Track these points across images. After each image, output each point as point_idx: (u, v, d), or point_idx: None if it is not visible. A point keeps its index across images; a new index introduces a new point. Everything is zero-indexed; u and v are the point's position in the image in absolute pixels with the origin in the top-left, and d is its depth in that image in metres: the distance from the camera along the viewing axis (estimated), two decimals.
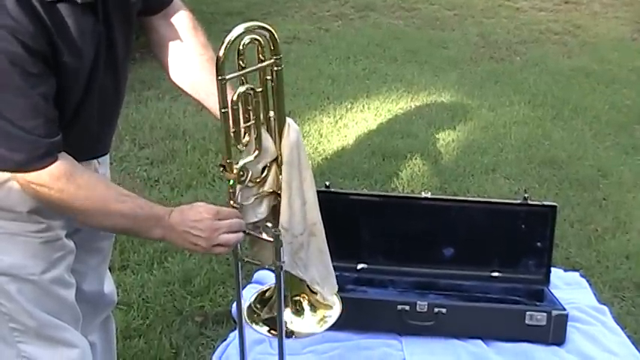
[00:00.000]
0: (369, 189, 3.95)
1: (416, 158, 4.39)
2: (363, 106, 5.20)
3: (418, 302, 2.83)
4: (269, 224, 1.77)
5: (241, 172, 1.74)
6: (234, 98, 1.69)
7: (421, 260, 3.12)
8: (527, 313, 2.82)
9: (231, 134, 1.70)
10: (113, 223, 1.68)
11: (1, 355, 1.81)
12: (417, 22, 7.50)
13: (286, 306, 1.87)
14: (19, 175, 1.59)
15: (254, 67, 1.73)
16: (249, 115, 1.74)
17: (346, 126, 4.87)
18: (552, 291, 3.05)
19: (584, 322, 2.97)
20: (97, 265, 2.05)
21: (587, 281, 3.27)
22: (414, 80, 5.75)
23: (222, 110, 1.67)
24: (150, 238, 1.76)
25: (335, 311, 1.93)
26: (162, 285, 3.14)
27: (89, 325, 2.02)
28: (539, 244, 3.10)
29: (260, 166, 1.78)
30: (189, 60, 1.88)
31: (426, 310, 2.82)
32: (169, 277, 3.19)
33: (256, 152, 1.76)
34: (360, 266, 3.13)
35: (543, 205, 3.11)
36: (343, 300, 2.84)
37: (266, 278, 3.14)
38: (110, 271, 3.16)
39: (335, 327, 2.78)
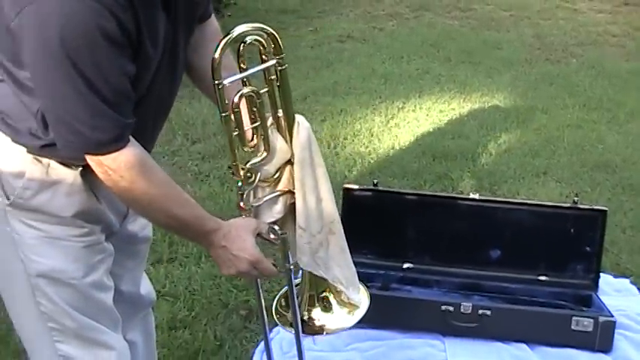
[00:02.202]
0: (417, 189, 3.94)
1: (466, 159, 4.37)
2: (415, 106, 5.18)
3: (462, 303, 2.81)
4: (276, 227, 1.78)
5: (249, 174, 1.76)
6: (236, 100, 1.68)
7: (467, 261, 3.10)
8: (574, 318, 2.78)
9: (235, 137, 1.72)
10: (166, 223, 1.72)
11: (39, 353, 1.83)
12: (472, 23, 7.45)
13: (314, 305, 1.88)
14: (93, 158, 1.57)
15: (256, 69, 1.71)
16: (255, 117, 1.74)
17: (397, 125, 4.86)
18: (601, 297, 2.99)
19: (633, 329, 2.92)
20: (134, 268, 2.06)
21: (638, 288, 3.21)
22: (467, 81, 5.71)
23: (223, 114, 1.68)
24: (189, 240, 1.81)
25: (363, 303, 1.92)
26: (209, 278, 3.18)
27: (128, 324, 2.03)
28: (588, 248, 3.06)
29: (272, 167, 1.78)
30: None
31: (470, 311, 2.81)
32: (216, 271, 3.22)
33: (264, 153, 1.76)
34: (405, 265, 3.13)
35: (593, 209, 3.06)
36: (387, 299, 2.89)
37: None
38: (159, 263, 3.28)
39: (378, 325, 2.85)
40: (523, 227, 3.10)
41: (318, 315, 1.89)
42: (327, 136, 4.65)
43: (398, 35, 7.01)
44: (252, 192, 1.79)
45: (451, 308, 2.81)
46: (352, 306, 1.90)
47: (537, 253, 3.09)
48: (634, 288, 3.21)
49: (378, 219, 3.16)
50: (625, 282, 3.26)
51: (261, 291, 1.97)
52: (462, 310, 2.81)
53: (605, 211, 3.04)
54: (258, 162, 1.76)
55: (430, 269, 3.11)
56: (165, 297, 3.05)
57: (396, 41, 6.78)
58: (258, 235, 1.75)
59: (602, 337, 2.77)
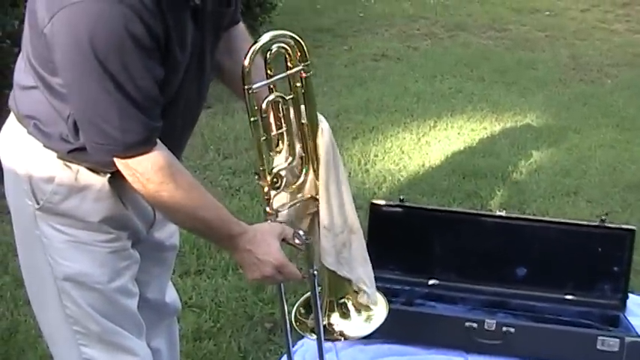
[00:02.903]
0: (447, 206, 3.94)
1: (496, 178, 4.36)
2: (447, 124, 5.18)
3: (486, 320, 2.81)
4: (301, 231, 1.79)
5: (275, 179, 1.78)
6: (264, 106, 1.72)
7: (493, 279, 3.10)
8: (599, 338, 2.77)
9: (263, 142, 1.75)
10: (192, 226, 1.74)
11: (63, 355, 1.86)
12: (506, 43, 7.43)
13: (333, 310, 1.90)
14: (122, 161, 1.60)
15: (281, 75, 1.75)
16: (281, 123, 1.78)
17: (428, 144, 4.87)
18: (629, 318, 2.97)
19: None
20: (160, 275, 2.08)
21: None
22: (500, 100, 5.70)
23: (252, 119, 1.72)
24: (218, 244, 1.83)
25: (381, 310, 1.94)
26: (235, 291, 3.21)
27: (152, 331, 2.04)
28: (616, 268, 3.04)
29: (296, 172, 1.82)
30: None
31: (494, 328, 2.80)
32: (242, 284, 3.25)
33: (290, 159, 1.80)
34: (431, 282, 3.14)
35: (621, 229, 3.04)
36: (411, 314, 2.90)
37: None
38: (186, 275, 3.32)
39: (402, 340, 2.86)
40: (550, 245, 3.09)
41: (337, 321, 1.91)
42: (357, 153, 4.67)
43: (432, 54, 7.02)
44: (277, 197, 1.81)
45: (475, 325, 2.81)
46: (369, 311, 1.93)
47: (564, 271, 3.08)
48: None
49: (404, 235, 3.18)
50: None
51: (285, 305, 1.98)
52: (485, 327, 2.80)
53: (634, 230, 3.02)
54: (284, 167, 1.80)
55: (456, 286, 3.12)
56: (191, 308, 3.08)
57: (430, 60, 6.79)
58: (283, 240, 1.76)
59: (629, 357, 2.75)
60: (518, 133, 5.03)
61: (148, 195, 1.64)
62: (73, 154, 1.67)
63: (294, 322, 1.95)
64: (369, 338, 2.80)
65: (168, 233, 2.01)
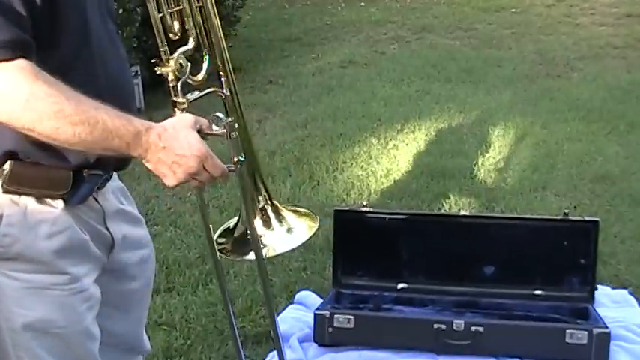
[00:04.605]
0: (415, 209, 3.94)
1: (464, 177, 4.37)
2: (414, 127, 5.20)
3: (454, 321, 2.81)
4: (219, 114, 1.62)
5: (179, 63, 1.62)
6: None
7: (462, 279, 3.09)
8: (567, 331, 2.77)
9: (159, 19, 1.61)
10: (82, 134, 1.45)
11: None
12: (473, 42, 7.48)
13: (255, 215, 1.80)
14: None
15: None
16: (178, 1, 1.67)
17: (396, 147, 4.88)
18: (598, 309, 2.98)
19: (631, 340, 2.89)
20: (130, 307, 1.90)
21: (637, 299, 3.18)
22: (467, 100, 5.73)
23: None
24: (123, 155, 1.55)
25: (303, 224, 1.87)
26: (205, 306, 3.20)
27: None
28: (582, 260, 3.04)
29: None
30: None
31: (462, 328, 2.80)
32: (212, 298, 3.24)
33: (193, 42, 1.68)
34: (400, 286, 3.13)
35: (585, 221, 3.05)
36: (380, 319, 2.90)
37: (308, 298, 3.18)
38: (156, 293, 3.29)
39: (372, 346, 2.85)
40: (516, 242, 3.09)
41: (261, 231, 1.81)
42: (325, 161, 4.67)
43: (399, 58, 7.05)
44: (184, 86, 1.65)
45: (443, 326, 2.81)
46: (288, 220, 1.86)
47: (532, 267, 3.08)
48: (632, 299, 3.18)
49: (370, 240, 3.17)
50: (624, 293, 3.23)
51: (233, 314, 1.95)
52: (454, 328, 2.80)
53: (597, 221, 3.03)
54: (190, 50, 1.66)
55: (425, 288, 3.11)
56: (161, 326, 3.07)
57: (397, 64, 6.82)
58: (199, 131, 1.57)
59: (598, 349, 2.75)
60: (486, 132, 5.06)
61: (18, 113, 1.43)
62: (12, 175, 1.55)
63: (220, 253, 1.86)
64: (338, 346, 2.85)
65: (133, 252, 1.84)
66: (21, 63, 1.42)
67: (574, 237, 3.05)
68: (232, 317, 1.95)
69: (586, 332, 2.75)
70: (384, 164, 4.62)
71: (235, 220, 1.91)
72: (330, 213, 3.66)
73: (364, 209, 3.17)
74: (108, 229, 1.74)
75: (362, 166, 4.60)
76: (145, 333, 2.01)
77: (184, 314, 3.16)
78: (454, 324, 2.80)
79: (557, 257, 3.07)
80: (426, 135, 5.05)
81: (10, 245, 1.57)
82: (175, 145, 1.50)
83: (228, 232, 1.87)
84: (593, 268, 3.04)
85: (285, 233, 1.85)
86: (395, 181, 4.40)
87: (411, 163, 4.63)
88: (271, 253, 1.85)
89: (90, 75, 1.57)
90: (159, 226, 3.89)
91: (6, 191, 1.56)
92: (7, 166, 1.55)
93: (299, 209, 1.92)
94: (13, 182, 1.55)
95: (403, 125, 5.22)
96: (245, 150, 1.78)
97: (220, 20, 5.88)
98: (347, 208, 3.17)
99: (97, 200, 1.70)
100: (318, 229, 3.72)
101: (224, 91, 1.77)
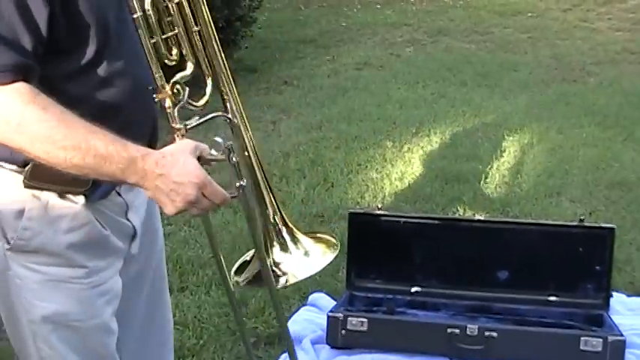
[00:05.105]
0: (429, 213, 3.93)
1: (479, 182, 4.36)
2: (429, 130, 5.19)
3: (468, 326, 2.79)
4: (218, 139, 1.56)
5: (176, 89, 1.57)
6: (146, 5, 1.54)
7: (475, 284, 3.07)
8: (582, 338, 2.74)
9: (151, 45, 1.55)
10: (75, 159, 1.46)
11: None
12: (489, 46, 7.46)
13: (273, 242, 1.73)
14: None
15: None
16: (172, 26, 1.60)
17: (411, 150, 4.87)
18: (613, 317, 2.96)
19: None
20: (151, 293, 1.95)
21: None
22: (482, 104, 5.72)
23: (134, 15, 1.53)
24: (119, 181, 1.55)
25: (319, 246, 1.78)
26: (218, 306, 3.20)
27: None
28: (597, 267, 3.02)
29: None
30: None
31: (476, 333, 2.78)
32: (226, 299, 3.23)
33: (192, 67, 1.62)
34: (413, 289, 3.12)
35: (601, 227, 3.03)
36: (393, 322, 2.89)
37: (321, 300, 3.17)
38: (169, 292, 3.30)
39: (385, 349, 2.85)
40: (531, 247, 3.07)
41: (279, 257, 1.74)
42: (340, 163, 4.67)
43: (415, 61, 7.04)
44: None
45: (457, 331, 2.79)
46: (303, 243, 1.78)
47: (546, 273, 3.06)
48: None
49: (384, 243, 3.16)
50: (639, 301, 3.21)
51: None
52: (468, 333, 2.79)
53: (613, 228, 3.00)
54: (186, 75, 1.60)
55: (438, 292, 3.09)
56: (174, 326, 3.06)
57: (413, 67, 6.81)
58: (199, 158, 1.52)
59: (612, 357, 2.72)
60: (501, 136, 5.04)
61: (10, 134, 1.44)
62: (34, 171, 1.57)
63: (238, 282, 1.81)
64: (351, 349, 2.84)
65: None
66: (18, 86, 1.44)
67: (589, 243, 3.02)
68: (240, 319, 1.91)
69: (601, 340, 2.73)
70: (399, 167, 4.62)
71: (252, 252, 1.83)
72: (344, 215, 3.67)
73: (378, 212, 3.16)
74: (129, 220, 1.76)
75: (376, 169, 4.60)
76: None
77: (197, 314, 3.17)
78: (468, 329, 2.79)
79: (572, 263, 3.04)
80: (441, 138, 5.04)
81: (31, 239, 1.61)
82: (173, 172, 1.46)
83: (246, 264, 1.82)
84: (608, 275, 3.02)
85: (305, 257, 1.77)
86: (409, 184, 4.39)
87: (426, 166, 4.63)
88: (292, 280, 1.76)
89: (112, 74, 1.58)
90: (172, 226, 3.90)
91: (27, 186, 1.59)
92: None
93: (318, 234, 1.84)
94: (34, 178, 1.58)
95: (418, 128, 5.21)
96: (257, 174, 1.75)
97: (237, 21, 5.86)
98: (361, 211, 3.17)
99: (119, 194, 1.71)
100: (333, 231, 3.78)
101: (228, 115, 1.69)
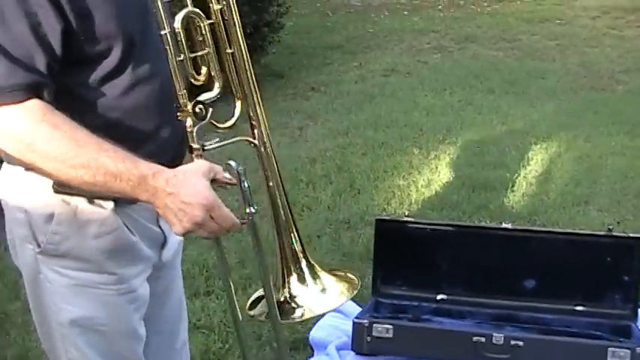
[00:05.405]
0: (456, 220, 3.93)
1: (506, 189, 4.34)
2: (456, 137, 5.18)
3: (494, 334, 2.78)
4: (231, 162, 1.55)
5: (198, 109, 1.56)
6: (177, 24, 1.54)
7: (501, 292, 3.06)
8: (609, 349, 2.72)
9: (178, 62, 1.54)
10: (86, 177, 1.47)
11: None
12: (517, 53, 7.43)
13: (290, 272, 1.70)
14: None
15: None
16: (202, 45, 1.59)
17: (437, 157, 4.87)
18: None
19: None
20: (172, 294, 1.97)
21: None
22: (509, 111, 5.70)
23: (161, 32, 1.52)
24: (130, 199, 1.54)
25: (342, 282, 1.74)
26: (244, 311, 3.21)
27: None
28: (626, 277, 2.99)
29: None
30: None
31: (502, 342, 2.77)
32: None
33: (218, 89, 1.60)
34: (439, 297, 3.12)
35: (629, 237, 3.00)
36: (418, 330, 2.89)
37: (347, 306, 3.17)
38: (195, 296, 3.33)
39: (409, 356, 2.84)
40: (558, 256, 3.05)
41: (297, 289, 1.70)
42: (367, 169, 4.68)
43: (442, 68, 7.03)
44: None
45: (483, 339, 2.78)
46: (321, 277, 1.74)
47: (573, 282, 3.04)
48: None
49: (411, 250, 3.16)
50: None
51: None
52: (493, 342, 2.77)
53: None
54: (211, 97, 1.59)
55: (464, 300, 3.08)
56: (200, 329, 3.10)
57: (440, 74, 6.80)
58: (214, 180, 1.51)
59: None
60: (528, 144, 5.02)
61: (22, 152, 1.47)
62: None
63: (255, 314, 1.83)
64: (376, 355, 2.84)
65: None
66: (31, 104, 1.45)
67: (617, 253, 3.00)
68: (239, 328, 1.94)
69: (629, 351, 2.70)
70: (425, 174, 4.61)
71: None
72: (370, 221, 3.67)
73: (405, 219, 3.15)
74: (160, 227, 1.76)
75: (403, 176, 4.60)
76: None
77: (223, 318, 3.19)
78: (494, 337, 2.77)
79: (599, 273, 3.02)
80: (468, 146, 5.03)
81: (60, 243, 1.63)
82: (182, 192, 1.46)
83: (261, 298, 1.80)
84: (636, 285, 2.99)
85: (322, 293, 1.73)
86: (436, 191, 4.39)
87: (452, 173, 4.62)
88: (307, 315, 1.73)
89: (138, 80, 1.58)
90: None
91: (57, 191, 1.60)
92: None
93: (338, 272, 1.80)
94: (63, 184, 1.57)
95: (445, 135, 5.20)
96: (280, 204, 1.70)
97: (264, 27, 5.87)
98: (388, 218, 3.16)
99: None
100: (359, 237, 3.79)
101: (254, 141, 1.66)
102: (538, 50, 7.49)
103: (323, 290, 1.73)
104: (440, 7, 9.70)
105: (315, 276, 1.72)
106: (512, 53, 7.47)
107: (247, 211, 1.57)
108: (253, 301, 1.83)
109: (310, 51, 7.73)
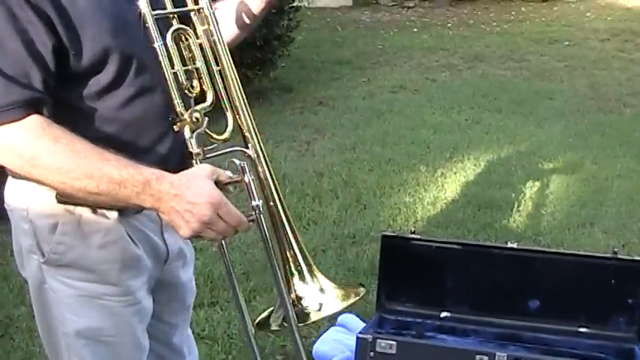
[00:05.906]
0: (462, 238, 3.94)
1: (512, 209, 4.35)
2: (463, 155, 5.20)
3: (497, 353, 2.78)
4: (235, 160, 1.56)
5: (195, 118, 1.58)
6: (168, 39, 1.57)
7: (506, 311, 3.07)
8: None
9: (171, 75, 1.57)
10: (89, 186, 1.47)
11: None
12: (525, 73, 7.45)
13: (291, 271, 1.70)
14: None
15: (184, 9, 1.63)
16: (192, 59, 1.63)
17: (444, 175, 4.88)
18: None
19: None
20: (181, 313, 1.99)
21: None
22: (517, 131, 5.71)
23: (154, 45, 1.56)
24: (135, 207, 1.55)
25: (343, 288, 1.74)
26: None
27: None
28: (630, 300, 3.00)
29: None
30: None
31: None
32: (255, 315, 3.24)
33: (212, 99, 1.62)
34: (443, 314, 3.12)
35: (635, 260, 3.01)
36: (421, 347, 2.89)
37: (351, 321, 3.19)
38: (199, 307, 3.33)
39: None
40: (562, 277, 3.06)
41: (302, 290, 1.70)
42: (373, 185, 4.69)
43: (450, 86, 7.06)
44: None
45: (486, 358, 2.78)
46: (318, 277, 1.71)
47: (578, 304, 3.04)
48: None
49: (416, 267, 3.17)
50: None
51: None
52: None
53: None
54: (206, 107, 1.62)
55: (468, 318, 3.09)
56: (204, 340, 3.10)
57: (448, 92, 6.82)
58: (217, 182, 1.50)
59: None
60: (535, 164, 5.03)
61: (25, 165, 1.48)
62: None
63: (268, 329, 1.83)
64: None
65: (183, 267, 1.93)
66: (30, 120, 1.47)
67: (622, 276, 3.00)
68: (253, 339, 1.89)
69: None
70: (432, 192, 4.63)
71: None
72: (375, 237, 3.68)
73: (411, 235, 3.17)
74: (164, 241, 1.77)
75: (409, 193, 4.61)
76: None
77: (227, 329, 3.20)
78: (497, 356, 2.78)
79: (604, 295, 3.02)
80: (475, 164, 5.04)
81: (64, 253, 1.63)
82: (187, 192, 1.45)
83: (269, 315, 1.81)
84: None
85: (324, 295, 1.73)
86: (441, 209, 4.40)
87: (459, 192, 4.63)
88: (314, 317, 1.72)
89: (138, 90, 1.59)
90: (204, 241, 3.92)
91: (60, 201, 1.60)
92: None
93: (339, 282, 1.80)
94: (68, 196, 1.58)
95: (452, 153, 5.22)
96: (277, 214, 1.68)
97: (275, 40, 5.90)
98: (394, 234, 3.17)
99: None
100: (364, 252, 3.79)
101: (248, 151, 1.66)
102: (546, 71, 7.52)
103: (327, 291, 1.74)
104: (449, 25, 9.75)
105: (314, 277, 1.73)
106: (521, 73, 7.49)
107: (254, 204, 1.55)
108: (259, 323, 1.85)
109: (319, 65, 7.76)
